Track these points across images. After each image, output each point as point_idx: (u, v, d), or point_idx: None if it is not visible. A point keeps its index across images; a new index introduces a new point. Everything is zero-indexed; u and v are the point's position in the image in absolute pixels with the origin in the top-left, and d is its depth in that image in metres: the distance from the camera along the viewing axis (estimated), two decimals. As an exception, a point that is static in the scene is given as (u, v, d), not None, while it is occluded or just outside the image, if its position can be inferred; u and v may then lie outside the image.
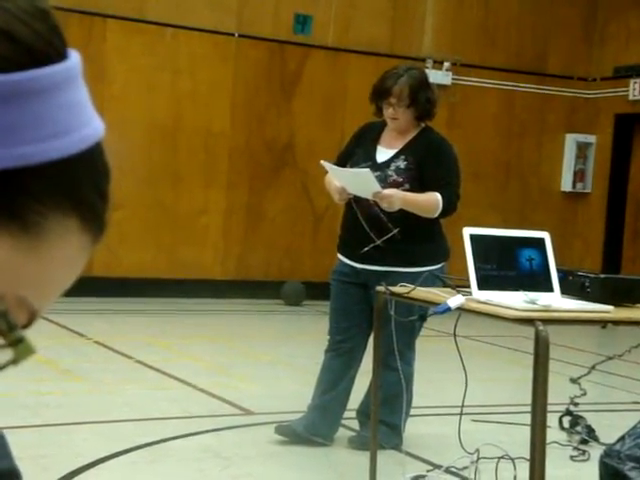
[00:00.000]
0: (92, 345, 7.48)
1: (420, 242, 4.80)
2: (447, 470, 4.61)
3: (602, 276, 3.69)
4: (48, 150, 0.57)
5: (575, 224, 12.52)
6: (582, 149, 12.42)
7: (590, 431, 5.34)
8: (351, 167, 4.89)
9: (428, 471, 4.68)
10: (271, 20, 10.87)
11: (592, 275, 3.69)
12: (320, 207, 10.92)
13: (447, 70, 11.61)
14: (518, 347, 8.11)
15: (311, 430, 4.96)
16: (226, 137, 10.74)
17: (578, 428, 5.36)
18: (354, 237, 4.88)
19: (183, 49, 10.45)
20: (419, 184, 4.78)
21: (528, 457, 3.32)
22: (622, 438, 3.72)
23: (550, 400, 3.27)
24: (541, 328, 3.17)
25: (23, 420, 5.09)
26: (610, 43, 12.25)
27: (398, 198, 4.65)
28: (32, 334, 0.60)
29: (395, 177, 4.81)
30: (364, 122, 5.25)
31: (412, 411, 4.97)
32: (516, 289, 3.48)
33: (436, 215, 4.78)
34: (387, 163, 4.86)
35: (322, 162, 4.87)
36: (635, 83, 11.77)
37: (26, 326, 0.61)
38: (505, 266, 3.58)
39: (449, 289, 3.75)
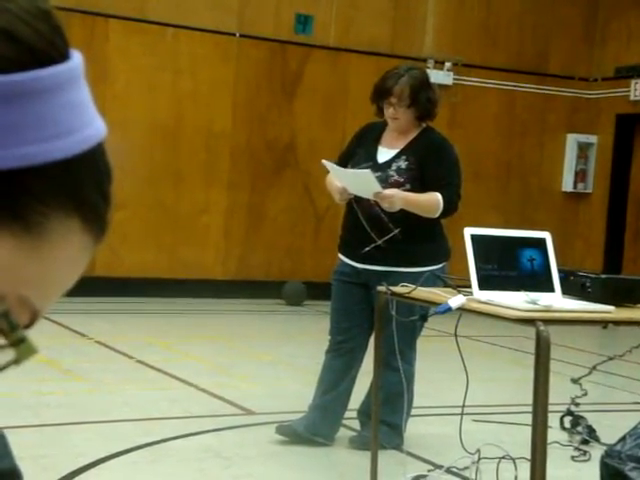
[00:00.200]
0: (93, 345, 7.48)
1: (421, 242, 4.80)
2: (448, 470, 4.61)
3: (603, 276, 3.69)
4: (51, 150, 0.58)
5: (576, 224, 12.52)
6: (583, 149, 12.42)
7: (591, 431, 5.34)
8: (352, 167, 4.89)
9: (429, 471, 4.68)
10: (272, 20, 10.87)
11: (593, 275, 3.69)
12: (321, 207, 10.92)
13: (448, 70, 11.61)
14: (519, 347, 8.11)
15: (312, 430, 4.96)
16: (227, 137, 10.74)
17: (579, 428, 5.36)
18: (355, 237, 4.88)
19: (184, 49, 10.46)
20: (420, 184, 4.78)
21: (529, 457, 3.32)
22: (623, 438, 3.72)
23: (551, 400, 3.27)
24: (542, 328, 3.17)
25: (24, 420, 5.09)
26: (611, 43, 12.25)
27: (399, 198, 4.65)
28: (33, 334, 0.60)
29: (396, 177, 4.81)
30: (365, 122, 5.25)
31: (413, 411, 4.97)
32: (517, 289, 3.48)
33: (437, 215, 4.78)
34: (388, 163, 4.86)
35: (324, 161, 4.87)
36: (636, 83, 11.77)
37: (28, 326, 0.61)
38: (506, 266, 3.58)
39: (450, 289, 3.75)
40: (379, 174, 4.76)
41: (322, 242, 10.81)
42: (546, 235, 3.71)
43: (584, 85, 12.48)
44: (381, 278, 4.43)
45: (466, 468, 4.60)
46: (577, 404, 5.42)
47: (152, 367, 6.72)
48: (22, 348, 0.59)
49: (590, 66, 12.44)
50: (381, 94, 4.92)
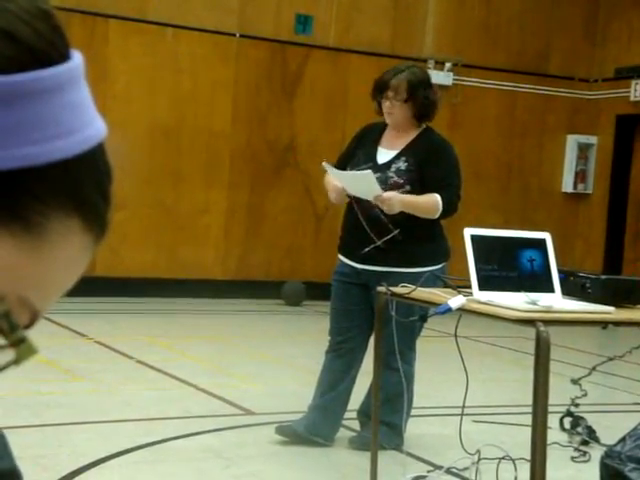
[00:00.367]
0: (93, 345, 7.48)
1: (421, 242, 4.80)
2: (448, 471, 4.61)
3: (603, 277, 3.68)
4: (51, 151, 0.58)
5: (576, 225, 12.52)
6: (583, 150, 12.42)
7: (591, 432, 5.34)
8: (352, 168, 4.89)
9: (429, 472, 4.67)
10: (272, 20, 10.87)
11: (593, 276, 3.69)
12: (321, 207, 10.92)
13: (448, 71, 11.61)
14: (519, 348, 8.11)
15: (312, 430, 4.96)
16: (227, 137, 10.74)
17: (579, 429, 5.36)
18: (355, 238, 4.88)
19: (184, 49, 10.46)
20: (420, 185, 4.78)
21: (529, 458, 3.32)
22: (623, 439, 3.72)
23: (551, 401, 3.27)
24: (542, 329, 3.17)
25: (24, 420, 5.09)
26: (612, 44, 12.25)
27: (398, 201, 4.64)
28: (33, 334, 0.60)
29: (396, 178, 4.80)
30: (365, 122, 5.25)
31: (413, 411, 4.97)
32: (517, 290, 3.48)
33: (437, 216, 4.78)
34: (388, 164, 4.86)
35: (324, 164, 4.87)
36: (637, 84, 11.77)
37: (28, 326, 0.61)
38: (506, 267, 3.58)
39: (450, 289, 3.75)
40: (379, 175, 4.76)
41: (322, 242, 10.81)
42: (546, 236, 3.71)
43: (584, 86, 12.49)
44: (381, 278, 4.42)
45: (466, 469, 4.60)
46: (577, 405, 5.42)
47: (152, 367, 6.72)
48: (22, 348, 0.59)
49: (590, 67, 12.44)
50: (379, 88, 4.93)
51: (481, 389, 6.26)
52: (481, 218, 9.40)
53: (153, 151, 10.34)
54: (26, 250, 0.59)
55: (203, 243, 10.70)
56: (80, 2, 9.74)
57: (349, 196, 4.91)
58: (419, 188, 4.77)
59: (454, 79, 11.66)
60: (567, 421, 5.45)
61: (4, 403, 5.40)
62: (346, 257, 4.97)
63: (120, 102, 9.98)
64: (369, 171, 4.66)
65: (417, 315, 4.15)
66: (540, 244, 3.68)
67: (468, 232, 3.57)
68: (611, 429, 5.25)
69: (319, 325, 7.48)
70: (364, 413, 4.99)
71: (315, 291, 10.17)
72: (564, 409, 5.47)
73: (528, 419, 3.39)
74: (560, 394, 5.27)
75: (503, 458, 4.46)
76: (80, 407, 5.52)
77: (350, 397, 5.03)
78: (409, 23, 11.51)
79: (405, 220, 4.71)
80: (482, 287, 3.47)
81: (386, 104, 4.89)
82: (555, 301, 3.49)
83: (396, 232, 4.75)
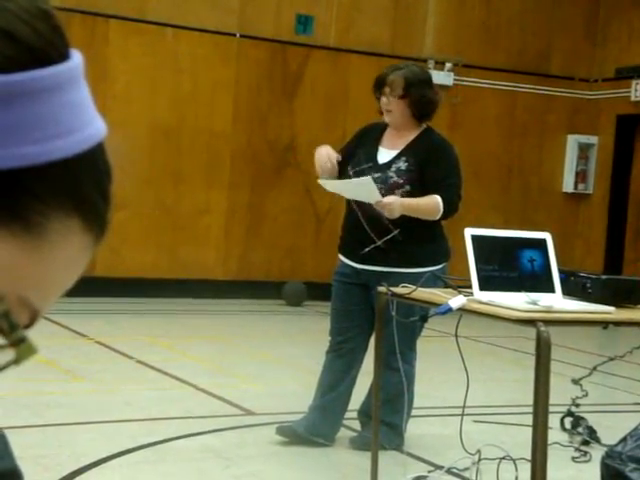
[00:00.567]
0: (93, 345, 7.48)
1: (421, 243, 4.80)
2: (448, 471, 4.61)
3: (603, 277, 3.68)
4: (51, 150, 0.58)
5: (576, 225, 12.52)
6: (584, 150, 12.42)
7: (591, 432, 5.34)
8: (353, 168, 4.89)
9: (429, 472, 4.67)
10: (273, 20, 10.87)
11: (593, 276, 3.69)
12: (322, 207, 10.92)
13: (449, 71, 11.61)
14: (519, 348, 8.11)
15: (312, 431, 4.96)
16: (228, 137, 10.74)
17: (579, 429, 5.36)
18: (355, 238, 4.89)
19: (184, 49, 10.46)
20: (420, 185, 4.78)
21: (529, 458, 3.32)
22: (624, 439, 3.71)
23: (551, 401, 3.27)
24: (542, 329, 3.17)
25: (24, 420, 5.09)
26: (612, 44, 12.25)
27: (398, 205, 4.64)
28: (33, 334, 0.60)
29: (396, 179, 4.80)
30: (366, 122, 5.26)
31: (413, 412, 4.97)
32: (517, 290, 3.48)
33: (438, 217, 4.77)
34: (388, 164, 4.86)
35: (319, 181, 4.87)
36: (637, 84, 11.77)
37: (28, 326, 0.61)
38: (506, 267, 3.58)
39: (450, 290, 3.75)
40: (379, 175, 4.76)
41: (322, 242, 10.81)
42: (546, 236, 3.71)
43: (585, 86, 12.48)
44: (381, 279, 4.42)
45: (466, 469, 4.60)
46: (577, 405, 5.42)
47: (152, 367, 6.72)
48: (22, 348, 0.59)
49: (591, 67, 12.44)
50: (377, 84, 4.96)
51: (482, 389, 6.26)
52: (481, 218, 9.40)
53: (153, 151, 10.34)
54: (26, 250, 0.59)
55: (204, 243, 10.70)
56: (80, 2, 9.74)
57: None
58: (419, 188, 4.77)
59: (454, 79, 11.66)
60: (568, 421, 5.45)
61: (4, 403, 5.40)
62: (346, 257, 4.97)
63: (120, 102, 9.98)
64: (369, 178, 4.66)
65: (417, 315, 4.16)
66: (540, 244, 3.68)
67: (468, 232, 3.57)
68: (612, 429, 5.25)
69: (320, 325, 7.48)
70: (364, 413, 4.99)
71: (316, 291, 10.17)
72: (565, 409, 5.47)
73: (529, 419, 3.39)
74: (561, 394, 5.27)
75: (504, 458, 4.46)
76: (81, 407, 5.52)
77: (350, 397, 5.03)
78: (409, 23, 11.51)
79: (405, 220, 4.71)
80: (483, 287, 3.47)
81: (383, 100, 4.91)
82: (556, 301, 3.49)
83: (396, 232, 4.75)
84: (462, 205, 4.92)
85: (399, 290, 3.81)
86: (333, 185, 4.85)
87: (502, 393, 6.68)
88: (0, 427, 0.91)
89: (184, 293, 10.30)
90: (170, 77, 10.41)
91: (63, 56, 0.59)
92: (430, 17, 11.60)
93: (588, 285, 3.63)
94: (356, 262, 4.89)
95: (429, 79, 5.03)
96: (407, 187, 4.77)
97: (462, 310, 3.45)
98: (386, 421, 4.71)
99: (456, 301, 3.42)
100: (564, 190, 12.46)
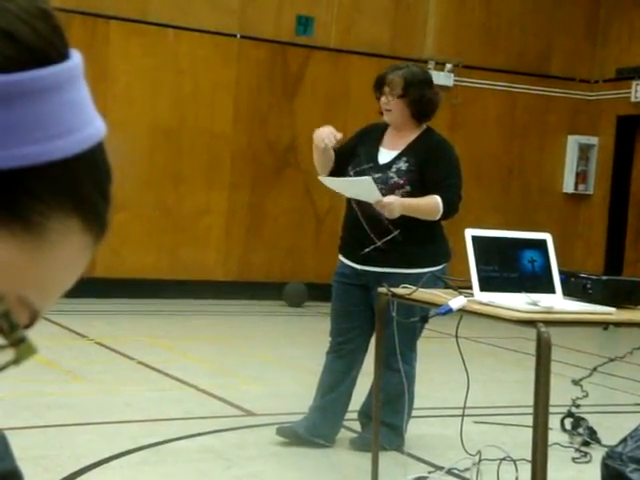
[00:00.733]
0: (94, 346, 7.48)
1: (421, 243, 4.80)
2: (449, 471, 4.61)
3: (604, 278, 3.68)
4: (51, 150, 0.58)
5: (577, 225, 12.52)
6: (584, 151, 12.42)
7: (592, 433, 5.34)
8: (354, 168, 4.90)
9: (430, 472, 4.67)
10: (273, 21, 10.88)
11: (594, 277, 3.69)
12: (322, 208, 10.92)
13: (449, 72, 11.61)
14: (520, 348, 8.11)
15: (312, 431, 4.95)
16: (228, 138, 10.74)
17: (580, 430, 5.36)
18: (355, 238, 4.89)
19: (185, 50, 10.46)
20: (420, 186, 4.78)
21: (530, 459, 3.32)
22: (624, 440, 3.71)
23: (552, 402, 3.27)
24: (543, 330, 3.17)
25: (25, 421, 5.09)
26: (613, 44, 12.25)
27: (398, 205, 4.64)
28: (33, 334, 0.60)
29: (396, 179, 4.80)
30: (366, 123, 5.26)
31: (414, 412, 4.97)
32: (518, 291, 3.48)
33: (438, 217, 4.77)
34: (388, 165, 4.86)
35: (320, 178, 4.87)
36: (637, 85, 11.77)
37: (28, 326, 0.61)
38: (507, 267, 3.58)
39: (451, 290, 3.75)
40: (379, 175, 4.76)
41: (323, 243, 10.81)
42: (547, 236, 3.71)
43: (585, 86, 12.48)
44: (381, 279, 4.42)
45: (467, 469, 4.60)
46: (578, 405, 5.41)
47: (153, 368, 6.72)
48: (22, 348, 0.59)
49: (591, 67, 12.44)
50: (377, 84, 4.97)
51: (482, 390, 6.26)
52: (482, 219, 9.40)
53: (154, 152, 10.35)
54: (26, 250, 0.59)
55: (204, 244, 10.70)
56: (81, 3, 9.75)
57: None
58: (419, 188, 4.77)
59: (455, 80, 11.66)
60: (568, 422, 5.45)
61: (5, 404, 5.40)
62: (346, 258, 4.97)
63: (121, 103, 9.98)
64: (369, 178, 4.66)
65: (418, 316, 4.16)
66: (541, 245, 3.68)
67: (469, 233, 3.57)
68: (612, 430, 5.25)
69: (320, 326, 7.48)
70: (365, 414, 4.99)
71: (316, 292, 10.17)
72: (565, 410, 5.47)
73: (529, 420, 3.39)
74: (561, 395, 5.27)
75: (504, 459, 4.46)
76: (81, 408, 5.52)
77: (351, 398, 5.03)
78: (410, 24, 11.51)
79: (405, 221, 4.71)
80: (483, 288, 3.47)
81: (382, 99, 4.92)
82: (556, 302, 3.49)
83: (396, 233, 4.75)
84: (462, 206, 4.92)
85: (399, 291, 3.81)
86: (333, 183, 4.85)
87: (502, 394, 6.68)
88: (0, 428, 0.91)
89: (185, 294, 10.30)
90: (171, 78, 10.41)
91: (63, 56, 0.59)
92: (430, 18, 11.60)
93: (588, 286, 3.63)
94: (356, 263, 4.89)
95: (429, 79, 5.03)
96: (407, 187, 4.77)
97: (462, 311, 3.45)
98: (386, 422, 4.70)
99: (456, 302, 3.42)
100: (564, 191, 12.46)
